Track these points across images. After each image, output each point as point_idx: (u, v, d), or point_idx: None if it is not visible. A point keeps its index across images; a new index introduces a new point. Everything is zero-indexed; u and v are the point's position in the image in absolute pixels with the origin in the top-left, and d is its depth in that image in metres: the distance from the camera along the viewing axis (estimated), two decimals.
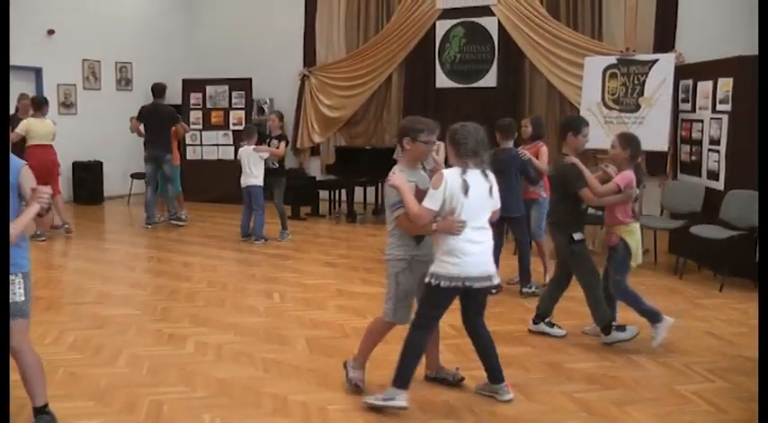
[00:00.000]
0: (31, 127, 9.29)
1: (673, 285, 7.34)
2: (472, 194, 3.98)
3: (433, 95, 12.22)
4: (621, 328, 5.32)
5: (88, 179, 12.66)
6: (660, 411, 4.25)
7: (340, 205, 11.79)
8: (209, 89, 13.21)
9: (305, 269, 7.96)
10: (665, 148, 8.85)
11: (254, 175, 9.23)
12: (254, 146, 9.29)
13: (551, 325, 5.62)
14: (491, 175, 4.12)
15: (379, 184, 11.57)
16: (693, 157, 8.41)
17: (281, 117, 9.83)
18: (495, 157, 6.79)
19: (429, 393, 4.43)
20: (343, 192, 11.47)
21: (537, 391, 4.52)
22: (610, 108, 9.04)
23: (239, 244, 9.31)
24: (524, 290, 6.78)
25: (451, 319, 5.99)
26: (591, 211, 8.12)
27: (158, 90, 10.54)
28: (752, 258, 7.08)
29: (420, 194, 4.08)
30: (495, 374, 4.35)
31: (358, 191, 11.44)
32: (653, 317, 5.23)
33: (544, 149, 6.95)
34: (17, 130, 9.22)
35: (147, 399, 4.34)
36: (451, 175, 3.99)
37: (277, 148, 9.32)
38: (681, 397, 4.47)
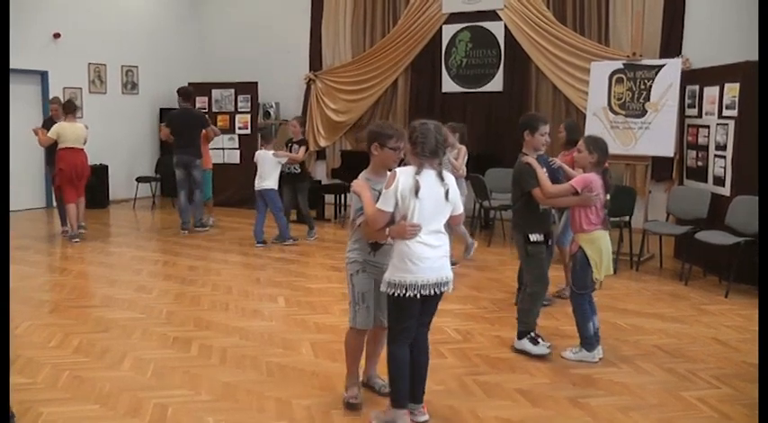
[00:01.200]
0: (61, 131, 9.47)
1: (678, 291, 7.34)
2: (424, 196, 3.78)
3: (440, 100, 12.23)
4: (535, 340, 5.24)
5: (94, 183, 12.63)
6: (664, 417, 4.26)
7: (345, 209, 11.81)
8: (215, 93, 13.25)
9: (310, 273, 7.99)
10: (671, 154, 8.84)
11: (269, 178, 9.34)
12: (272, 150, 9.39)
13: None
14: (448, 178, 3.92)
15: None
16: (699, 163, 8.42)
17: (302, 123, 10.01)
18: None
19: (433, 397, 4.43)
20: (349, 196, 11.46)
21: (541, 396, 4.53)
22: (616, 113, 9.04)
23: (243, 248, 9.35)
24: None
25: (456, 322, 6.05)
26: None
27: (185, 94, 10.59)
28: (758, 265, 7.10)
29: None
30: (417, 394, 4.13)
31: None
32: (587, 342, 5.14)
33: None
34: (49, 134, 9.47)
35: (152, 402, 4.36)
36: (404, 175, 3.81)
37: (297, 152, 9.50)
38: (685, 403, 4.48)
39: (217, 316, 6.29)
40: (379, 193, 3.90)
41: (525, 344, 5.28)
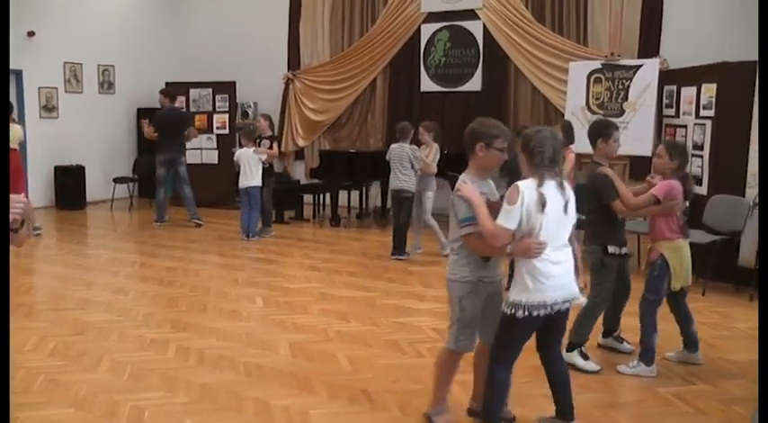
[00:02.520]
0: None
1: None
2: (550, 210, 3.53)
3: (418, 99, 12.26)
4: (586, 356, 5.11)
5: (70, 184, 12.62)
6: (641, 414, 4.32)
7: (324, 209, 11.81)
8: (193, 92, 13.19)
9: (288, 273, 8.00)
10: (649, 153, 8.88)
11: (253, 176, 9.60)
12: (253, 148, 9.60)
13: (620, 340, 5.47)
14: (568, 188, 3.67)
15: (364, 188, 11.62)
16: None
17: (268, 118, 10.23)
18: (512, 160, 6.74)
19: (411, 397, 4.46)
20: (328, 196, 11.49)
21: (520, 394, 4.52)
22: (594, 112, 9.12)
23: (221, 249, 9.34)
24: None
25: (434, 322, 6.07)
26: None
27: (171, 94, 11.11)
28: (734, 263, 7.19)
29: (490, 207, 3.66)
30: (566, 411, 4.03)
31: (342, 195, 11.47)
32: (647, 356, 4.99)
33: (571, 156, 6.83)
34: None
35: (128, 405, 4.36)
36: (528, 189, 3.53)
37: (270, 148, 9.78)
38: (662, 399, 4.54)
39: (195, 317, 6.28)
40: (486, 198, 3.73)
41: (575, 358, 5.07)
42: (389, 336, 5.71)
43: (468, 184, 3.70)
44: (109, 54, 13.64)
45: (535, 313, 3.59)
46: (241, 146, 10.02)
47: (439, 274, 7.82)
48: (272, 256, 8.89)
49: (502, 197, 3.69)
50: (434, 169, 8.56)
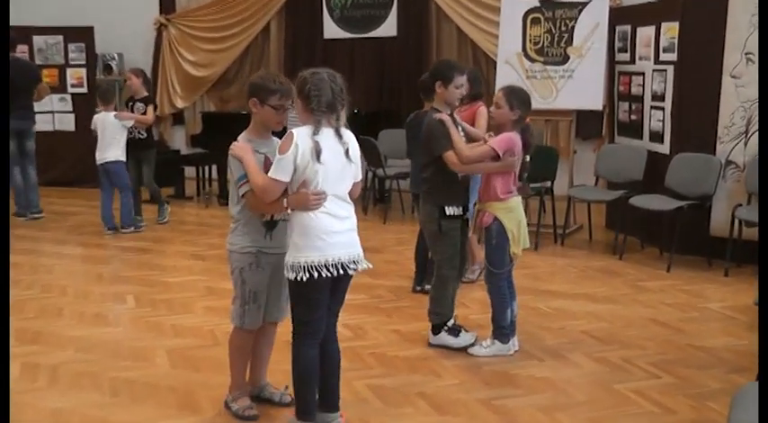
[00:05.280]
0: None
1: (612, 267, 7.51)
2: (326, 159, 3.79)
3: (321, 48, 12.18)
4: (455, 331, 5.32)
5: None
6: (595, 416, 4.34)
7: (210, 184, 11.65)
8: (38, 40, 12.64)
9: (167, 264, 7.88)
10: (600, 107, 9.00)
11: (113, 148, 8.95)
12: (114, 112, 9.04)
13: (457, 330, 5.46)
14: (347, 135, 3.94)
15: None
16: (633, 117, 8.62)
17: (141, 75, 9.55)
18: (414, 120, 6.74)
19: None
20: (215, 168, 11.33)
21: (449, 400, 4.54)
22: (533, 60, 9.14)
23: (83, 237, 9.09)
24: (422, 287, 6.65)
25: (345, 316, 5.96)
26: None
27: (13, 41, 9.77)
28: (705, 232, 7.32)
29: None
30: (331, 400, 4.14)
31: None
32: (502, 333, 5.20)
33: (483, 111, 6.75)
34: None
35: None
36: (302, 137, 3.78)
37: (144, 113, 9.19)
38: (620, 397, 4.58)
39: (47, 325, 6.07)
40: (265, 158, 3.99)
41: (444, 338, 5.31)
42: (287, 336, 5.62)
43: (240, 143, 4.04)
44: None
45: (319, 274, 3.78)
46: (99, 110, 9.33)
47: None
48: (146, 245, 8.71)
49: None
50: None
